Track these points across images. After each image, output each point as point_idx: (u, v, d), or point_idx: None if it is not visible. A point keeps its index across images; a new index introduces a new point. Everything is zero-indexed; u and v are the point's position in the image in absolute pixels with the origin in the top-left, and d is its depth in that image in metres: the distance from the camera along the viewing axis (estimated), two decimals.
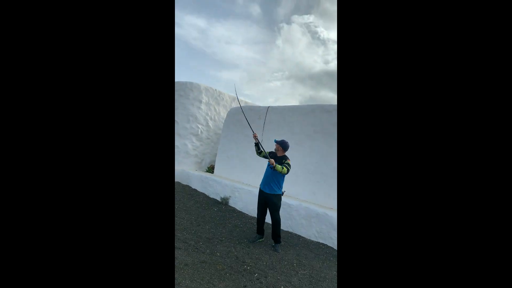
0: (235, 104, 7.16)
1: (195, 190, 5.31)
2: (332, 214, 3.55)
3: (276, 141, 3.18)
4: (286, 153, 3.21)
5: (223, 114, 6.90)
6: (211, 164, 6.54)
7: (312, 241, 3.57)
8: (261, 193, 3.18)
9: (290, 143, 4.64)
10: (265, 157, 3.13)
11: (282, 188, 3.14)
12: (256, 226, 3.47)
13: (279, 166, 2.89)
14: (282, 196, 3.18)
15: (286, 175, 3.06)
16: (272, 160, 2.90)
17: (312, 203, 4.04)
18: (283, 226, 3.83)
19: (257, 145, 3.14)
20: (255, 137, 3.12)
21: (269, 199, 3.10)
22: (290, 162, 3.05)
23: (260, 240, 3.29)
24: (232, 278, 2.33)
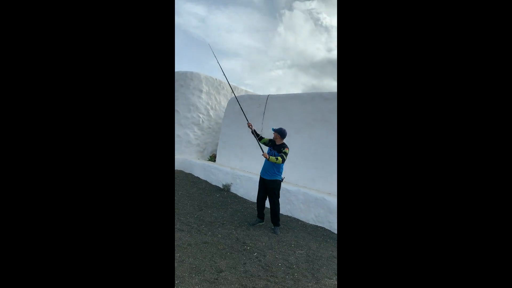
0: (235, 93, 7.21)
1: (198, 178, 5.45)
2: (330, 199, 3.67)
3: (274, 130, 3.30)
4: (285, 140, 3.32)
5: (224, 103, 6.96)
6: (213, 154, 6.66)
7: (310, 224, 3.71)
8: (261, 179, 3.33)
9: (290, 131, 4.72)
10: (263, 144, 3.34)
11: (282, 174, 3.26)
12: (256, 210, 3.62)
13: (273, 157, 3.07)
14: (282, 182, 3.30)
15: (285, 162, 3.21)
16: (265, 154, 3.12)
17: (311, 189, 4.16)
18: (283, 211, 3.97)
19: (253, 133, 3.31)
20: (249, 126, 3.30)
21: (269, 185, 3.24)
22: (288, 151, 3.19)
23: (260, 223, 3.44)
24: (232, 257, 2.47)
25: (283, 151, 3.15)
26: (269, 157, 3.08)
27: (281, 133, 3.25)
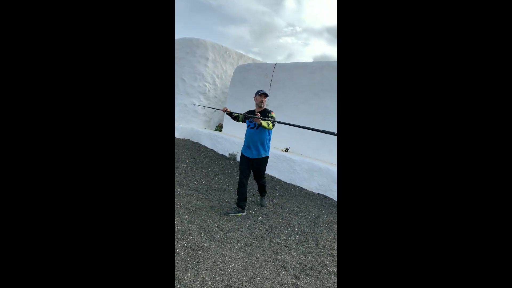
0: (242, 62, 7.03)
1: (205, 147, 5.58)
2: (334, 168, 3.75)
3: (262, 93, 2.72)
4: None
5: (230, 72, 6.82)
6: (220, 123, 6.70)
7: (313, 192, 3.85)
8: (248, 160, 2.75)
9: (297, 102, 4.69)
10: (245, 118, 2.77)
11: (269, 148, 2.87)
12: (237, 198, 2.81)
13: (265, 122, 2.46)
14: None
15: (272, 132, 2.81)
16: (258, 117, 2.41)
17: (315, 159, 4.24)
18: (287, 179, 4.10)
19: (230, 114, 2.83)
20: (224, 110, 2.83)
21: (261, 164, 2.81)
22: (274, 114, 2.70)
23: (241, 214, 2.79)
24: (238, 220, 2.64)
25: (270, 115, 2.62)
26: (261, 121, 2.44)
27: (266, 94, 2.74)
